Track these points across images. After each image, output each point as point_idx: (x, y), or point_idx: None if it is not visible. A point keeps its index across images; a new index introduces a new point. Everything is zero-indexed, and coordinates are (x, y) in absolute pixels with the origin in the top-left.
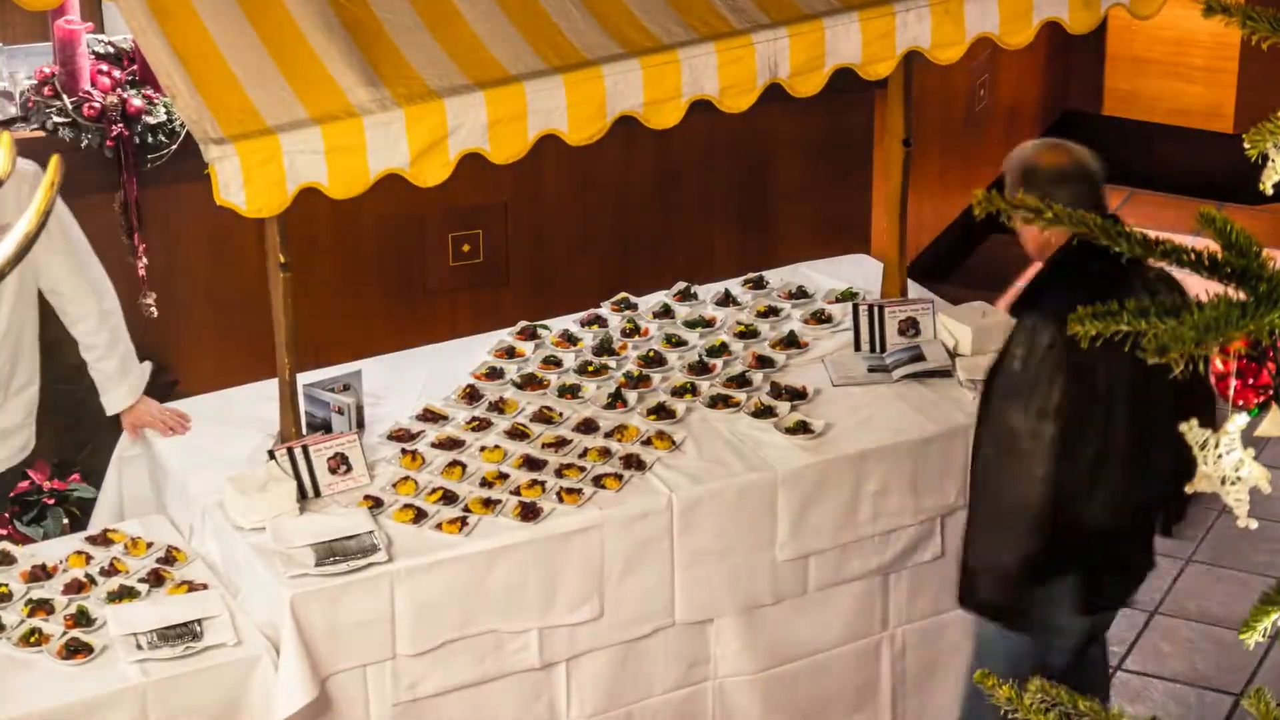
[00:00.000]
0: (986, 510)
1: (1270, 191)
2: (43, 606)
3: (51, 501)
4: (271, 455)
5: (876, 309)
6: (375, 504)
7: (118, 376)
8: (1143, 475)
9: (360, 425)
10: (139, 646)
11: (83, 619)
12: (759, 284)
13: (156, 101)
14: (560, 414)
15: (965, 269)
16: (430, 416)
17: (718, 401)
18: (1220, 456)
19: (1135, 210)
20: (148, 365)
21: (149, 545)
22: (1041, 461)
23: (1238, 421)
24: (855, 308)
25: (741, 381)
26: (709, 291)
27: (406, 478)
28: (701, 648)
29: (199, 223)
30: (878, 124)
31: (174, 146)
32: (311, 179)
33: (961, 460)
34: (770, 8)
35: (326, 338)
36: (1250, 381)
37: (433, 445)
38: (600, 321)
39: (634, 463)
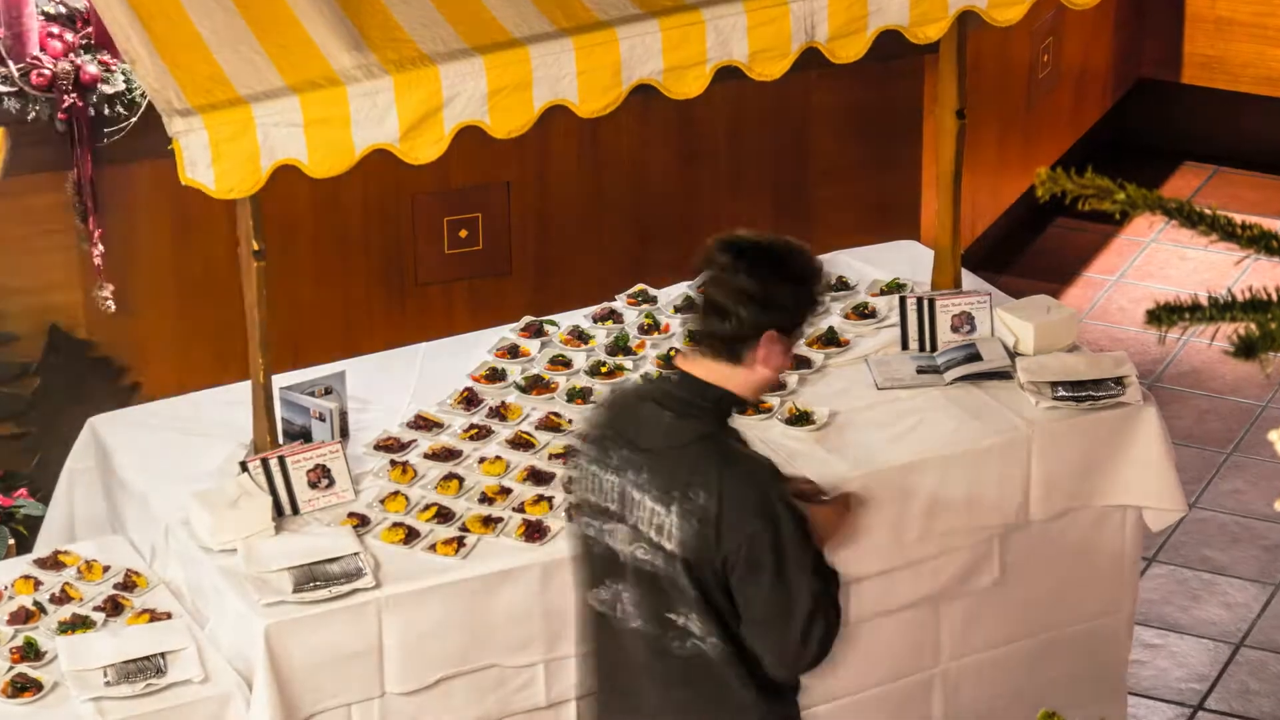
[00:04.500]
0: None
1: None
2: None
3: None
4: (244, 467)
5: (926, 302)
6: (361, 522)
7: None
8: None
9: (344, 434)
10: (94, 684)
11: (30, 652)
12: None
13: (114, 68)
14: (569, 421)
15: (1026, 258)
16: (423, 424)
17: (747, 407)
18: None
19: (1218, 190)
20: None
21: (105, 569)
22: None
23: None
24: (903, 301)
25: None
26: None
27: (396, 493)
28: None
29: (162, 205)
30: (928, 94)
31: (134, 119)
32: (289, 155)
33: (1022, 472)
34: None
35: (306, 335)
36: None
37: (426, 456)
38: (615, 316)
39: None
